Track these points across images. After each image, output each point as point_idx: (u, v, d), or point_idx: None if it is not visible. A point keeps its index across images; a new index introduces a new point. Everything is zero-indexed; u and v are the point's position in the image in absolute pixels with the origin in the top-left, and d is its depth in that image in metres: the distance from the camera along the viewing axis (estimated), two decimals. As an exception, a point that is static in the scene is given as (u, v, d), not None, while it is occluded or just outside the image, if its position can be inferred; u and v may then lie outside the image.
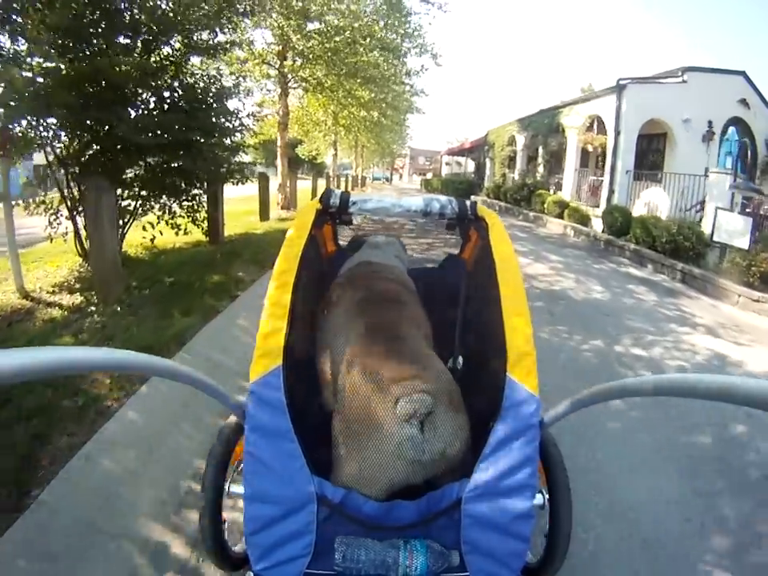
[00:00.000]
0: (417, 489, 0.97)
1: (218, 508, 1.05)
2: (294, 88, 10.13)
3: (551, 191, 12.83)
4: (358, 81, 9.29)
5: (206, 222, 5.36)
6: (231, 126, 5.24)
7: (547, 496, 1.06)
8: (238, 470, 1.15)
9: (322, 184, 14.47)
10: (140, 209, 4.44)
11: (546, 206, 11.83)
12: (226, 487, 1.06)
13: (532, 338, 1.05)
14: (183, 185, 4.63)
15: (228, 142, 5.17)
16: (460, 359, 1.57)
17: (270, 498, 0.92)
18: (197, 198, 5.02)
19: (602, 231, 9.59)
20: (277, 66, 9.34)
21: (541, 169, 13.70)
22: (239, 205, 10.07)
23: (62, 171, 3.94)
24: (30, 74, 3.25)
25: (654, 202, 9.89)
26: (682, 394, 0.66)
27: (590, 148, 11.37)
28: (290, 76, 9.27)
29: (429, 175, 38.12)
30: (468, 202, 1.46)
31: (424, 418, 0.94)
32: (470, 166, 25.85)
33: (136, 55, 3.97)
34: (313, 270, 1.51)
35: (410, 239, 2.05)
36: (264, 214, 8.58)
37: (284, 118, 9.42)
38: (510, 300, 1.12)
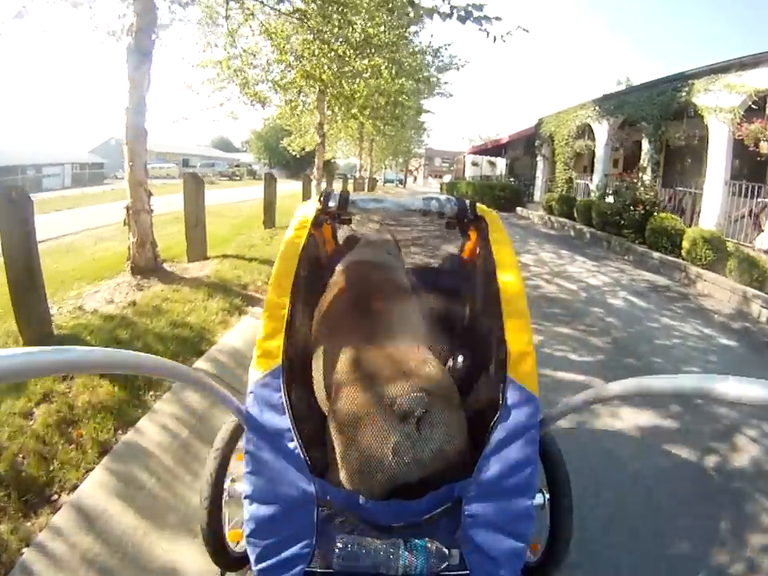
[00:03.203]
0: (417, 489, 0.96)
1: (218, 508, 1.07)
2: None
3: (668, 213, 7.82)
4: None
5: None
6: None
7: (547, 495, 1.07)
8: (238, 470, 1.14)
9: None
10: None
11: (688, 246, 6.41)
12: (227, 487, 1.08)
13: (532, 338, 1.07)
14: None
15: None
16: (460, 359, 1.58)
17: (271, 497, 0.92)
18: None
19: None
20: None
21: (647, 176, 8.59)
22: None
23: None
24: None
25: None
26: (683, 394, 0.68)
27: (763, 147, 6.43)
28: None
29: (446, 178, 33.70)
30: (467, 201, 1.45)
31: (421, 416, 0.96)
32: (502, 166, 20.82)
33: None
34: (312, 271, 1.51)
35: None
36: (26, 311, 2.40)
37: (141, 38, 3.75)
38: (510, 300, 1.13)
